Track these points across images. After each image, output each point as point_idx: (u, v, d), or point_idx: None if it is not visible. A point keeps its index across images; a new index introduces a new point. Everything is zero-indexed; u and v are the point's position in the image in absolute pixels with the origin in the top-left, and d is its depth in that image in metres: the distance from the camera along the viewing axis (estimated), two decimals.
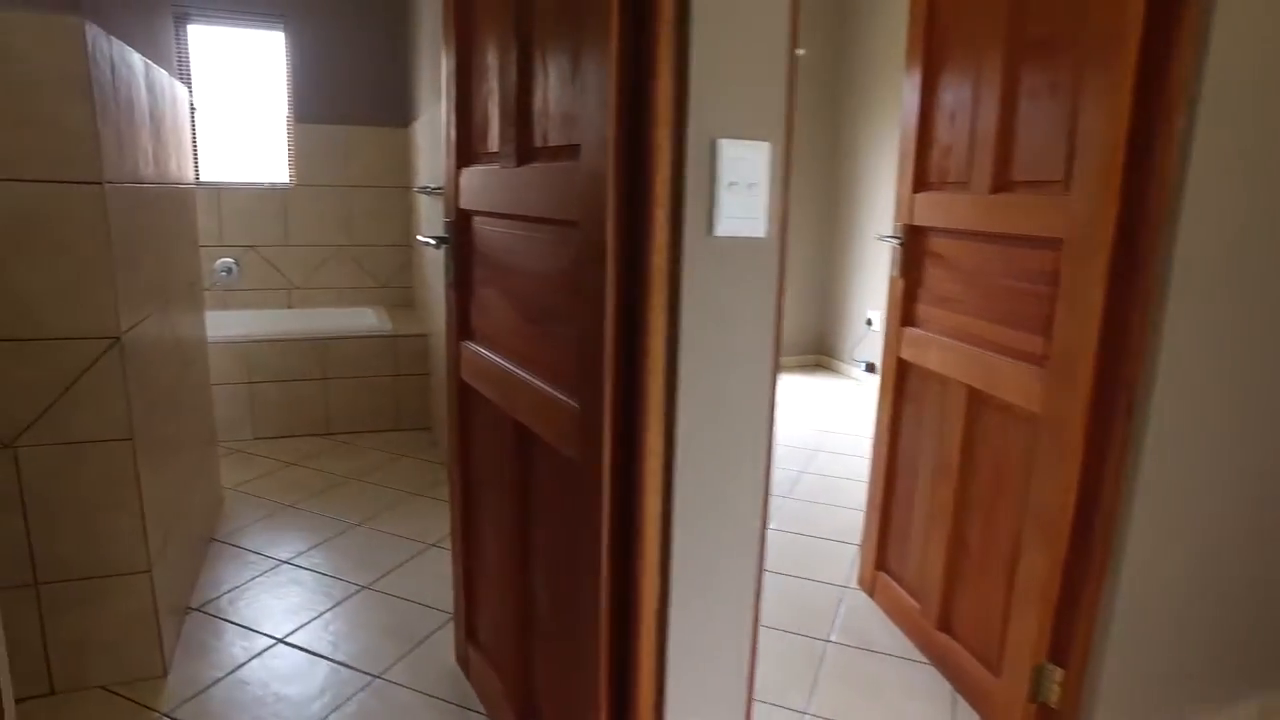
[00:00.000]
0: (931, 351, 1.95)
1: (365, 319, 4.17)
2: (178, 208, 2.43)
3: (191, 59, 4.04)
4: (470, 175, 1.57)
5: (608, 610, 1.13)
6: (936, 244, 1.95)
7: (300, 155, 4.20)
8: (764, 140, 1.04)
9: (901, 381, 2.14)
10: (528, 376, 1.34)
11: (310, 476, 3.23)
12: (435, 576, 2.43)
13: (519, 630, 1.52)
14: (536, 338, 1.31)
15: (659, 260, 1.01)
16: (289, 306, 4.31)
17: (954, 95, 1.85)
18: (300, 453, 3.50)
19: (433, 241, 1.66)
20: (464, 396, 1.73)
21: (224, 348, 3.53)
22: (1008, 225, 1.63)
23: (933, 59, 1.94)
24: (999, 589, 1.71)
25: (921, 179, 2.01)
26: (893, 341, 2.15)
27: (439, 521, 2.82)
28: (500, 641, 1.65)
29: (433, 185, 3.16)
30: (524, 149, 1.31)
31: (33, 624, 1.83)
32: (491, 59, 1.44)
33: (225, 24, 4.05)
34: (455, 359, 1.73)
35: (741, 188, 1.02)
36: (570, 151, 1.14)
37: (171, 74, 2.43)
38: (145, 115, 2.06)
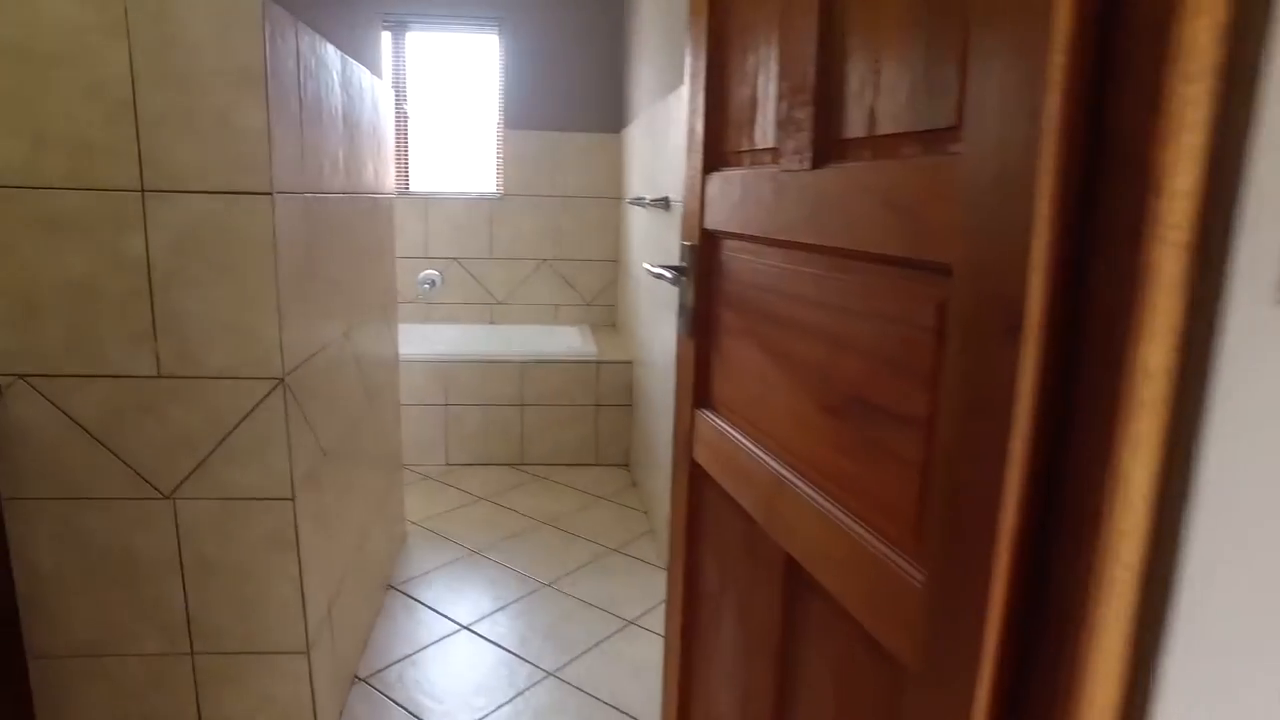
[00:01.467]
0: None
1: (568, 340, 3.88)
2: (372, 219, 2.18)
3: (408, 67, 3.93)
4: (723, 183, 1.12)
5: None
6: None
7: (509, 163, 3.99)
8: None
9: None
10: (817, 496, 0.86)
11: (500, 516, 2.93)
12: (633, 668, 2.01)
13: None
14: (839, 439, 0.82)
15: (1154, 350, 0.49)
16: (490, 322, 4.11)
17: None
18: (492, 485, 3.24)
19: (667, 274, 1.22)
20: (696, 484, 1.27)
21: (421, 366, 3.34)
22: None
23: None
24: None
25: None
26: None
27: (639, 589, 2.41)
28: None
29: (649, 197, 2.77)
30: (824, 141, 0.83)
31: (188, 697, 1.59)
32: (764, 11, 0.98)
33: (441, 28, 3.91)
34: (687, 431, 1.28)
35: None
36: (929, 142, 0.65)
37: (374, 72, 2.18)
38: (337, 117, 1.79)
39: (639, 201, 2.87)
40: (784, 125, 0.92)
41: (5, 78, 1.30)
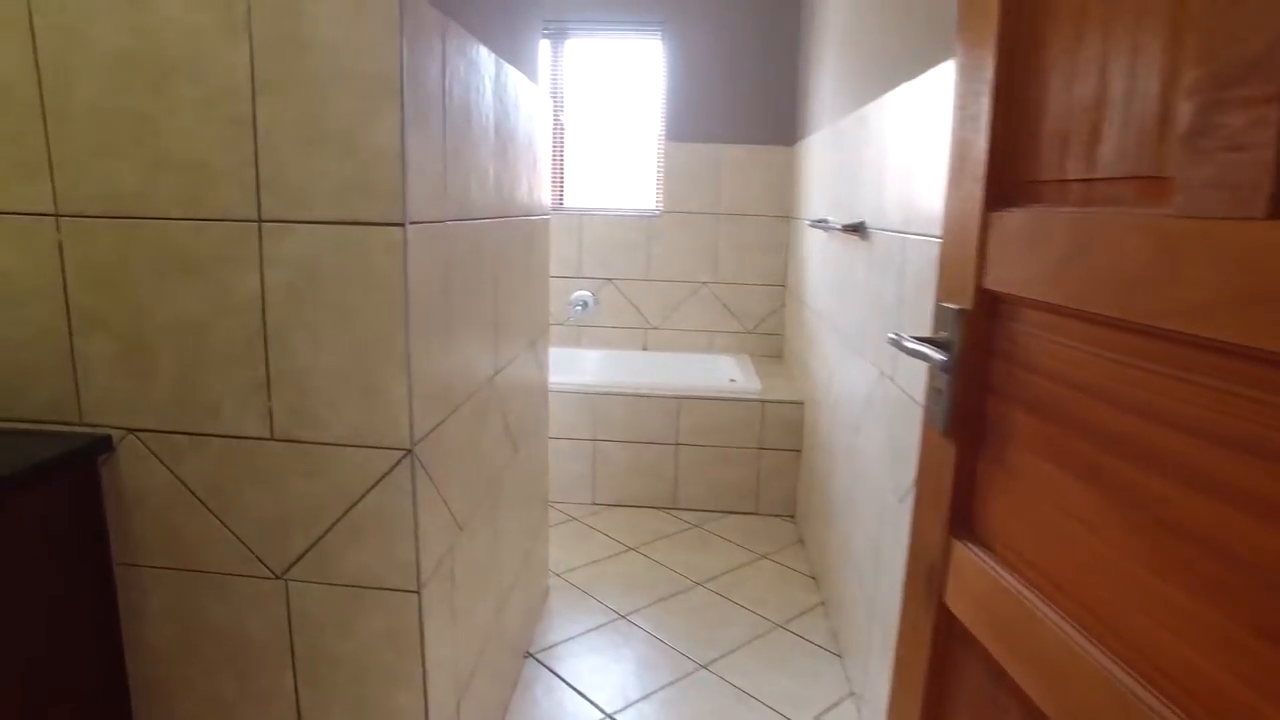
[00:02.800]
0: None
1: (727, 371, 3.54)
2: (525, 242, 1.93)
3: (565, 75, 3.73)
4: (1025, 226, 0.75)
5: None
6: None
7: (670, 178, 3.70)
8: None
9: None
10: None
11: (650, 572, 2.63)
12: None
13: None
14: None
15: None
16: (644, 348, 3.83)
17: None
18: (642, 533, 2.94)
19: (930, 353, 0.86)
20: (946, 638, 0.91)
21: (568, 397, 3.10)
22: None
23: None
24: None
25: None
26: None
27: (809, 681, 2.03)
28: None
29: (837, 221, 2.39)
30: None
31: None
32: None
33: (602, 34, 3.68)
34: (935, 564, 0.92)
35: None
36: None
37: (531, 79, 1.93)
38: (489, 128, 1.54)
39: (822, 224, 2.49)
40: (1191, 140, 0.54)
41: (120, 93, 1.12)
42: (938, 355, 0.84)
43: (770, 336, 3.79)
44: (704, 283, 3.77)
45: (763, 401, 3.05)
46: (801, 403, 3.02)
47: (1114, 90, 0.65)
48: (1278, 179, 0.47)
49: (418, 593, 1.23)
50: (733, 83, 3.62)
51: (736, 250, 3.73)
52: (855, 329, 2.10)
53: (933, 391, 0.90)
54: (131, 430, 1.24)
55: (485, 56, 1.49)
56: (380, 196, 1.10)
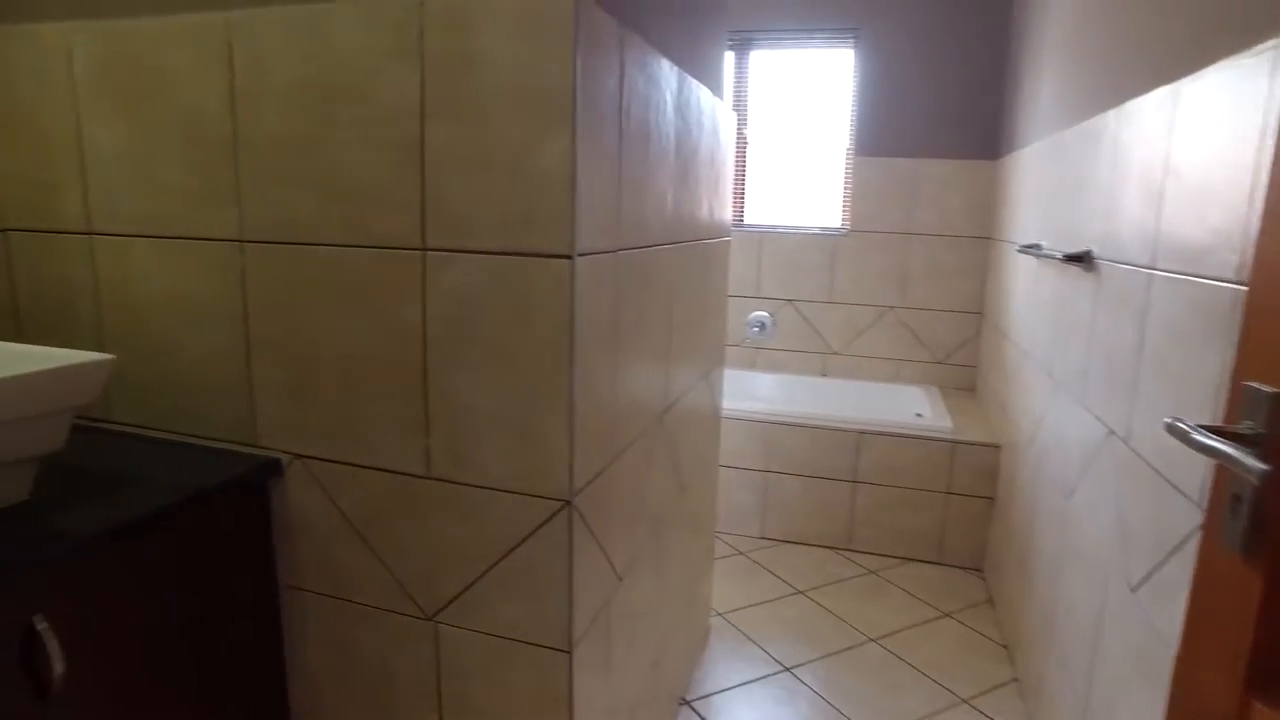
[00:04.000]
0: None
1: (913, 403, 3.26)
2: (703, 266, 1.81)
3: (750, 88, 3.59)
4: None
5: None
6: None
7: (858, 195, 3.47)
8: None
9: None
10: None
11: (820, 621, 2.42)
12: None
13: None
14: None
15: None
16: (823, 374, 3.61)
17: None
18: (813, 575, 2.74)
19: (1235, 454, 0.64)
20: None
21: (740, 424, 2.95)
22: None
23: None
24: None
25: None
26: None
27: None
28: None
29: (1056, 249, 2.10)
30: None
31: None
32: None
33: (790, 45, 3.51)
34: None
35: None
36: None
37: (716, 93, 1.81)
38: (669, 148, 1.43)
39: (1033, 250, 2.20)
40: None
41: (296, 120, 1.10)
42: (1249, 460, 0.62)
43: (963, 369, 3.46)
44: (891, 307, 3.49)
45: (954, 441, 2.76)
46: (998, 446, 2.71)
47: None
48: None
49: (569, 653, 1.13)
50: (932, 92, 3.33)
51: (929, 273, 3.43)
52: (1073, 373, 1.81)
53: (1227, 499, 0.68)
54: (298, 455, 1.22)
55: (667, 70, 1.38)
56: (547, 226, 1.01)
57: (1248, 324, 0.69)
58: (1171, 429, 0.71)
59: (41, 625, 0.91)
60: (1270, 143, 0.91)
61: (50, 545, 0.93)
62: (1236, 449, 0.64)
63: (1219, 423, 0.85)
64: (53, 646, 0.91)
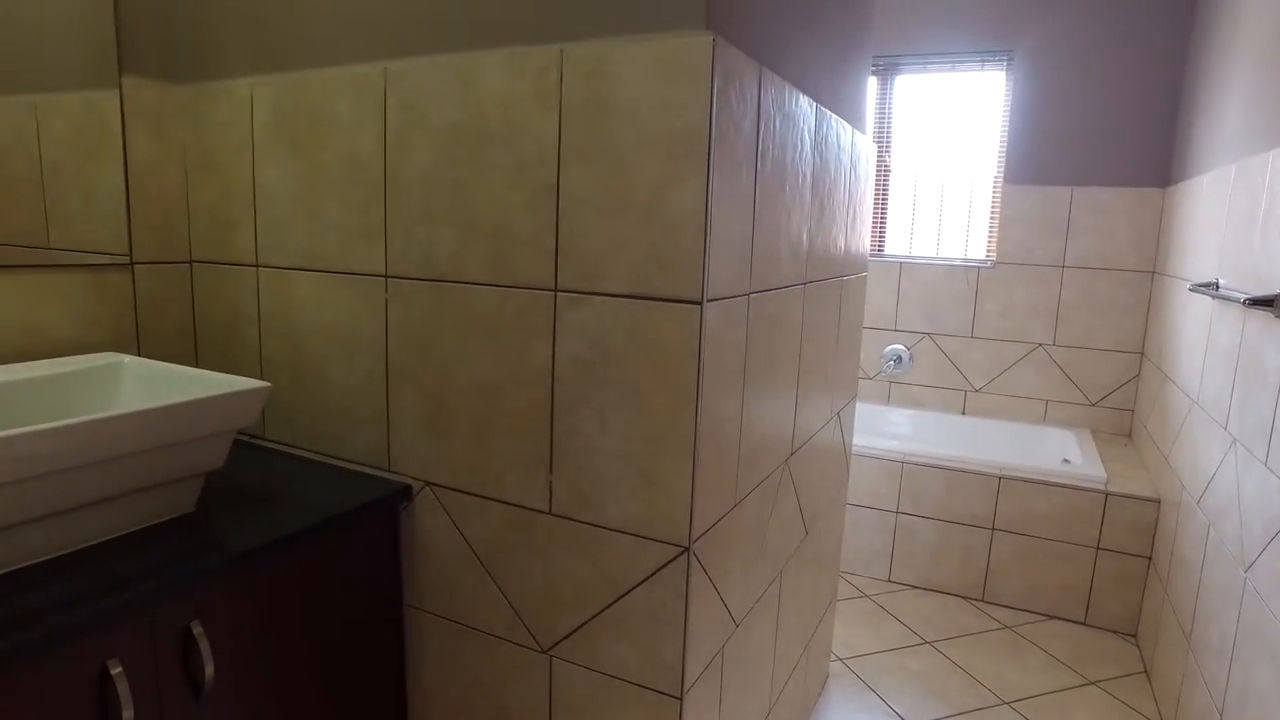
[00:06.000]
0: None
1: (1063, 448, 3.05)
2: (837, 303, 1.76)
3: (893, 114, 3.49)
4: None
5: None
6: None
7: (1006, 225, 3.29)
8: None
9: None
10: None
11: (947, 676, 2.29)
12: None
13: None
14: None
15: None
16: (962, 412, 3.44)
17: None
18: (943, 625, 2.59)
19: None
20: None
21: (872, 463, 2.84)
22: None
23: None
24: None
25: None
26: None
27: None
28: None
29: (1235, 288, 1.91)
30: None
31: None
32: None
33: (939, 69, 3.38)
34: None
35: None
36: None
37: (857, 126, 1.76)
38: (804, 186, 1.40)
39: (1208, 289, 2.01)
40: None
41: (445, 163, 1.16)
42: None
43: (1119, 412, 3.20)
44: (1040, 344, 3.29)
45: (1106, 493, 2.55)
46: (1158, 500, 2.48)
47: None
48: None
49: (680, 699, 1.12)
50: (1092, 116, 3.12)
51: (1084, 309, 3.20)
52: (1256, 430, 1.64)
53: None
54: (428, 483, 1.27)
55: (805, 106, 1.36)
56: (677, 270, 1.01)
57: None
58: None
59: (197, 630, 0.98)
60: None
61: (214, 555, 1.00)
62: None
63: None
64: (205, 649, 0.98)
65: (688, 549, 1.07)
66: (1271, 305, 1.59)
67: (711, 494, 1.12)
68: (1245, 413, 1.72)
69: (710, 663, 1.21)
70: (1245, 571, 1.59)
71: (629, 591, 1.12)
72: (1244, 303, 1.66)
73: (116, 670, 0.89)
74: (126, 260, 1.41)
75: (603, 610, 1.15)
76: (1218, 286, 1.98)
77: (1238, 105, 2.17)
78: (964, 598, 2.79)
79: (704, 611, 1.15)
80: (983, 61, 3.31)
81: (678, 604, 1.09)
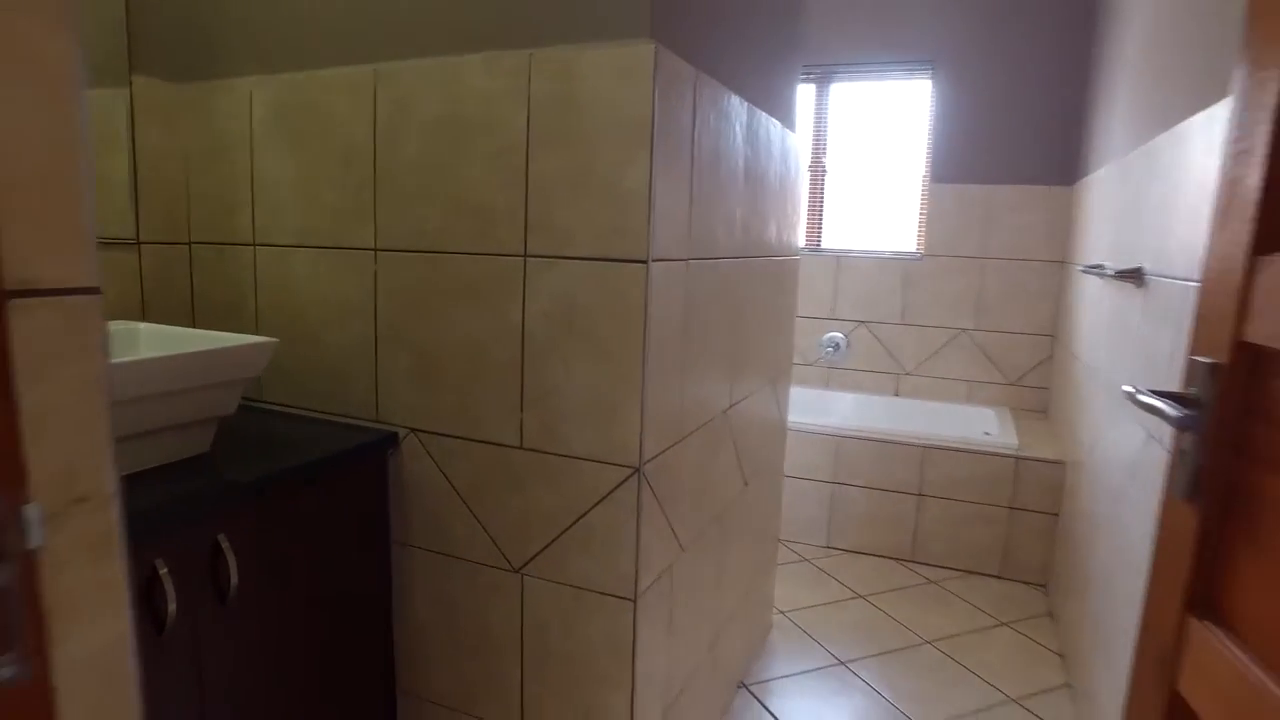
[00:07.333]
0: None
1: (983, 424, 3.34)
2: (771, 281, 1.99)
3: (829, 119, 3.76)
4: None
5: None
6: None
7: (933, 220, 3.58)
8: None
9: None
10: None
11: (879, 623, 2.54)
12: None
13: None
14: None
15: None
16: (895, 394, 3.71)
17: None
18: (875, 582, 2.85)
19: (1165, 407, 0.80)
20: None
21: (811, 438, 3.09)
22: None
23: None
24: None
25: None
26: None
27: None
28: None
29: (1112, 266, 2.19)
30: None
31: None
32: None
33: (868, 77, 3.66)
34: (1167, 643, 0.84)
35: None
36: None
37: (787, 125, 2.00)
38: (738, 173, 1.63)
39: (1096, 270, 2.29)
40: None
41: (434, 150, 1.35)
42: (1173, 412, 0.78)
43: (1035, 390, 3.51)
44: (964, 329, 3.58)
45: (1018, 458, 2.83)
46: (1063, 463, 2.77)
47: None
48: None
49: (634, 601, 1.32)
50: (1009, 120, 3.43)
51: (1003, 297, 3.50)
52: (1122, 383, 1.90)
53: (1176, 453, 0.82)
54: (414, 430, 1.46)
55: (737, 105, 1.58)
56: (629, 236, 1.22)
57: (1197, 314, 0.84)
58: (1127, 394, 0.86)
59: (225, 543, 1.16)
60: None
61: (229, 486, 1.18)
62: (1171, 405, 0.79)
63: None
64: (231, 561, 1.16)
65: (638, 469, 1.28)
66: (1134, 277, 1.86)
67: (659, 427, 1.33)
68: (1117, 373, 2.00)
69: (660, 576, 1.42)
70: (1116, 508, 1.86)
71: (589, 510, 1.32)
72: (1114, 275, 1.93)
73: (164, 571, 1.07)
74: (133, 240, 1.57)
75: (567, 529, 1.35)
76: (1103, 268, 2.25)
77: (1120, 108, 2.47)
78: (894, 559, 3.05)
79: (653, 528, 1.36)
80: (909, 71, 3.59)
81: (631, 517, 1.30)
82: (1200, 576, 0.78)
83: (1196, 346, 0.83)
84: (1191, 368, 0.81)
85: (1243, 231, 0.75)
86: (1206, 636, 0.76)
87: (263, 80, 1.50)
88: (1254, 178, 0.74)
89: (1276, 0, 0.74)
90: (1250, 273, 0.74)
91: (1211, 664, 0.75)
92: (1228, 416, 0.76)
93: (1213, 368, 0.78)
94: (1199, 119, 1.50)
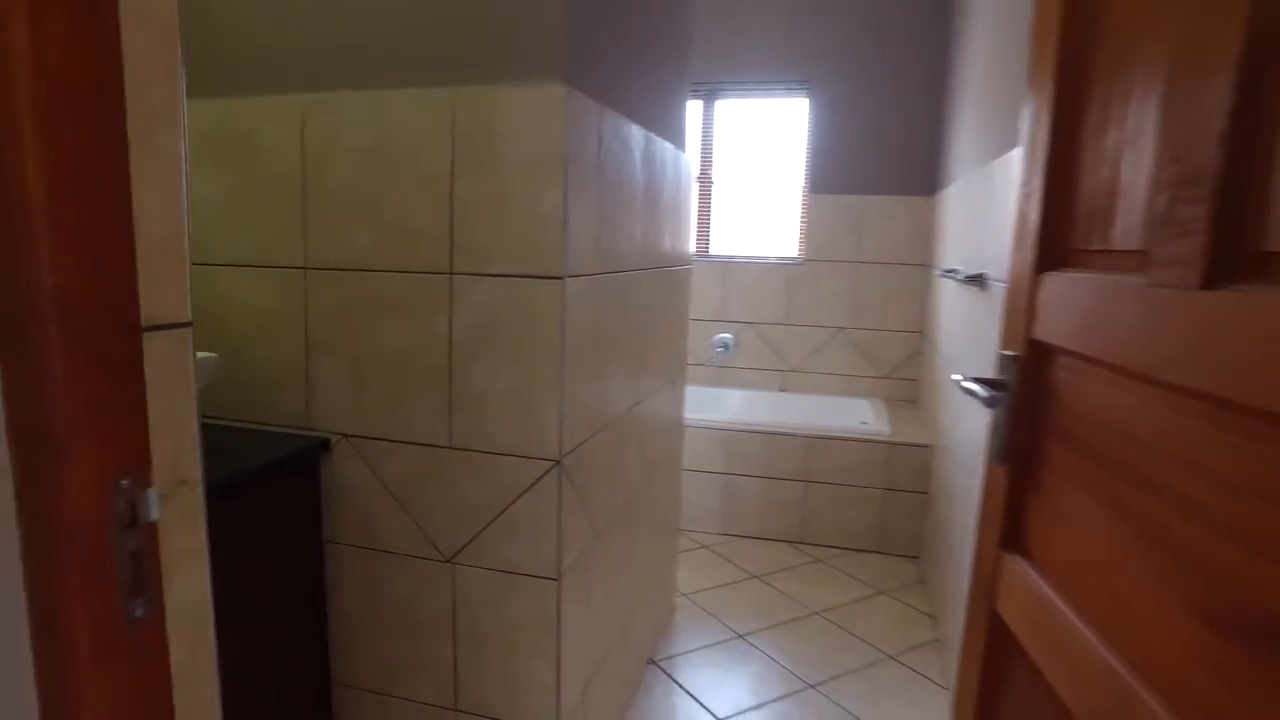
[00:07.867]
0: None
1: (860, 414, 3.65)
2: (667, 289, 2.18)
3: (715, 133, 4.01)
4: (1063, 287, 0.91)
5: None
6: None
7: (811, 228, 3.88)
8: None
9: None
10: None
11: (773, 599, 2.78)
12: None
13: None
14: (1235, 676, 0.59)
15: None
16: (781, 389, 4.00)
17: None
18: (768, 563, 3.10)
19: (980, 391, 1.02)
20: (996, 642, 1.05)
21: (705, 433, 3.31)
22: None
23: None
24: None
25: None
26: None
27: (916, 709, 2.12)
28: None
29: (964, 271, 2.50)
30: (1225, 252, 0.62)
31: None
32: (1138, 72, 0.78)
33: (751, 95, 3.94)
34: (989, 575, 1.06)
35: None
36: None
37: (678, 146, 2.20)
38: (637, 193, 1.81)
39: (951, 274, 2.60)
40: (1160, 225, 0.71)
41: (363, 176, 1.47)
42: (984, 394, 1.00)
43: (906, 382, 3.86)
44: (842, 328, 3.90)
45: (890, 444, 3.14)
46: (930, 446, 3.09)
47: (1121, 180, 0.80)
48: (1207, 260, 0.63)
49: (558, 581, 1.48)
50: (876, 136, 3.76)
51: (875, 298, 3.84)
52: (974, 373, 2.20)
53: (993, 427, 1.05)
54: (345, 435, 1.57)
55: (636, 133, 1.76)
56: (546, 255, 1.38)
57: (1004, 316, 1.07)
58: (954, 380, 1.09)
59: None
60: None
61: None
62: (984, 389, 1.01)
63: None
64: None
65: (558, 462, 1.44)
66: (978, 281, 2.15)
67: (575, 424, 1.49)
68: (969, 364, 2.29)
69: (579, 559, 1.58)
70: (970, 481, 2.15)
71: (514, 501, 1.47)
72: (964, 279, 2.22)
73: None
74: None
75: (494, 520, 1.49)
76: (957, 272, 2.56)
77: (967, 130, 2.80)
78: (785, 541, 3.31)
79: (572, 514, 1.52)
80: (788, 90, 3.88)
81: (552, 506, 1.45)
82: (1010, 520, 1.01)
83: (1003, 342, 1.06)
84: (1001, 359, 1.05)
85: (1029, 253, 0.99)
86: (1014, 566, 0.99)
87: (195, 105, 1.57)
88: (1034, 214, 0.97)
89: (1044, 74, 0.97)
90: (1035, 286, 0.97)
91: (1016, 586, 0.97)
92: (1024, 397, 0.99)
93: (1014, 359, 1.01)
94: (1017, 152, 1.79)
